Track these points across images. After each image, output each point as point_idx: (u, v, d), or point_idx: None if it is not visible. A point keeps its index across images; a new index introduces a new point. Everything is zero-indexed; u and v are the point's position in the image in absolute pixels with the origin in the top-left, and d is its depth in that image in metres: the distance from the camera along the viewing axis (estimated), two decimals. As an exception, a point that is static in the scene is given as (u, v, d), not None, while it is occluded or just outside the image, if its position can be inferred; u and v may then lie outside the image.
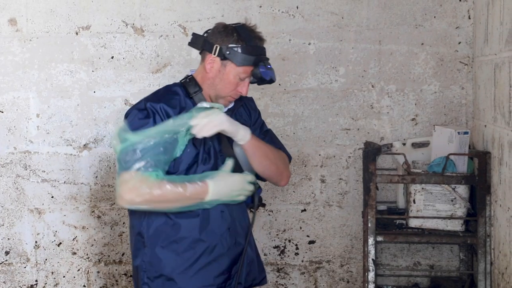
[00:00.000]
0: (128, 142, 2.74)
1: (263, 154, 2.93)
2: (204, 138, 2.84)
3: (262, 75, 2.85)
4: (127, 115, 2.86)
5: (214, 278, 2.92)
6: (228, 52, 2.83)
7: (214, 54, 2.85)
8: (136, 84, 4.15)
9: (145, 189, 2.72)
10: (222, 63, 2.86)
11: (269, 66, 2.88)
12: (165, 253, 2.89)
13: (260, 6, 4.06)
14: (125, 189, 2.73)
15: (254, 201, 2.97)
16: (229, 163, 2.86)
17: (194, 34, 2.93)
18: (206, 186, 2.78)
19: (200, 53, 2.95)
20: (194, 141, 2.84)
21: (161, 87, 3.01)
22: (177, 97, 2.91)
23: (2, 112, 4.19)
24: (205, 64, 2.89)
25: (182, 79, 2.97)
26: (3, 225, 4.26)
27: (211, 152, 2.90)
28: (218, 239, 2.92)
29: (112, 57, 4.14)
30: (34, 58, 4.17)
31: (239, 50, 2.83)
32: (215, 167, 2.89)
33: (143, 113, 2.83)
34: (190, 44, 2.94)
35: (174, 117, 2.79)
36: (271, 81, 2.90)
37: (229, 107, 3.00)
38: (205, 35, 2.92)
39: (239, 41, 2.85)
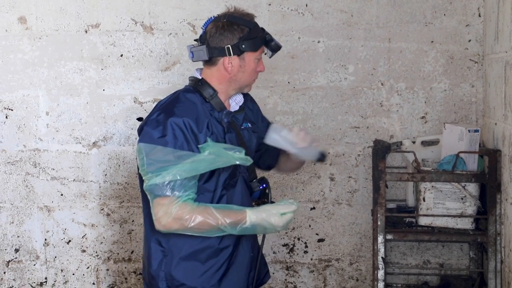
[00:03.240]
0: (160, 177, 2.68)
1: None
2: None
3: (278, 44, 2.89)
4: (147, 132, 2.76)
5: (234, 284, 2.91)
6: (243, 46, 2.81)
7: (230, 55, 2.83)
8: (145, 82, 4.15)
9: (185, 216, 2.69)
10: (239, 58, 2.83)
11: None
12: (187, 263, 2.84)
13: (269, 4, 4.06)
14: (163, 215, 2.71)
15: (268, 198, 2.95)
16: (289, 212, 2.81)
17: (192, 50, 2.87)
18: (245, 214, 2.75)
19: (208, 61, 2.87)
20: None
21: (175, 91, 2.91)
22: (194, 105, 2.84)
23: (11, 110, 4.20)
24: (223, 67, 2.84)
25: (192, 83, 2.91)
26: (12, 222, 4.27)
27: None
28: (238, 245, 2.90)
29: (121, 55, 4.15)
30: (44, 56, 4.17)
31: (249, 38, 2.82)
32: (234, 173, 2.86)
33: (160, 130, 2.74)
34: (196, 60, 2.87)
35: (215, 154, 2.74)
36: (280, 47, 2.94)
37: (241, 104, 2.98)
38: (206, 43, 2.84)
39: (243, 30, 2.82)
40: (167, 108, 2.81)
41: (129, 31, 4.13)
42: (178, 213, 2.69)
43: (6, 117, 4.21)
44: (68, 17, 4.14)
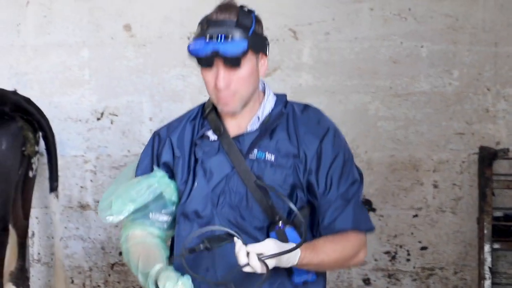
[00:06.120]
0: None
1: (320, 263, 2.20)
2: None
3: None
4: None
5: None
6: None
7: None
8: (247, 88, 4.17)
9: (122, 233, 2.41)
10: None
11: None
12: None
13: (371, 9, 4.02)
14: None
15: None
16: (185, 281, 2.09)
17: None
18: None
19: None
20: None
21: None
22: (177, 121, 2.39)
23: (116, 115, 4.30)
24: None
25: None
26: (117, 226, 4.36)
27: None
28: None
29: (223, 62, 4.18)
30: (147, 63, 4.26)
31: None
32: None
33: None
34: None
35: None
36: None
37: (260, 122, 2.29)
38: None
39: None
40: None
41: (230, 37, 4.16)
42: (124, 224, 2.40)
43: (112, 122, 4.31)
44: (172, 25, 4.20)
